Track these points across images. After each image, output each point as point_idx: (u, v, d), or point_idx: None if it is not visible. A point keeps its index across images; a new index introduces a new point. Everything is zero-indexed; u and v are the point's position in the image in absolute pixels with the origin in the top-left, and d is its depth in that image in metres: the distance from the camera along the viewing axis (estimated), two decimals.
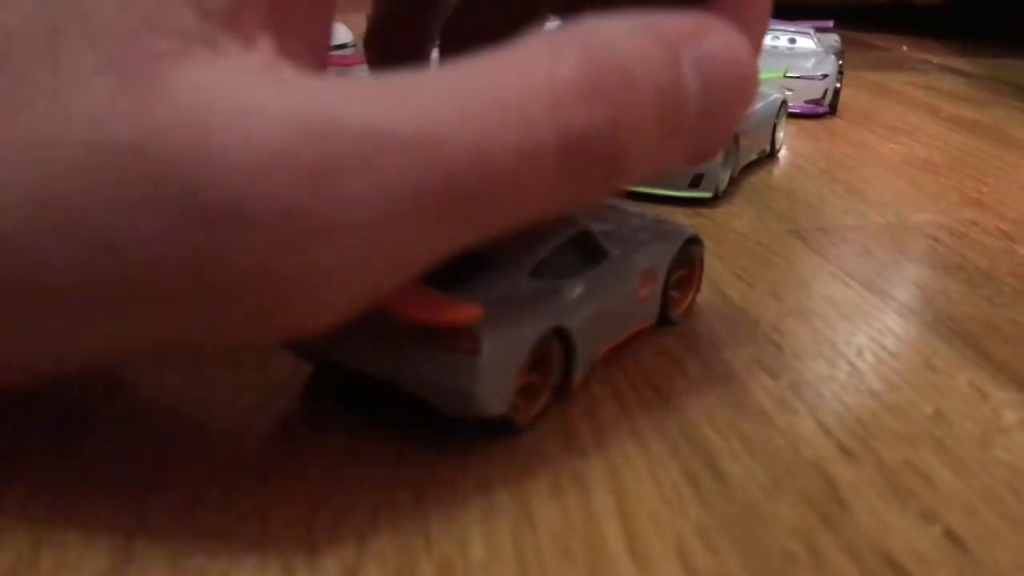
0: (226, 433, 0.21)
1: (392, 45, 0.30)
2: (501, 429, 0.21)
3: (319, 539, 0.18)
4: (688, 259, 0.28)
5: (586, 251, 0.24)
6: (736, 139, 0.42)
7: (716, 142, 0.20)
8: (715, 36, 0.19)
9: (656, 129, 0.18)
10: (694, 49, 0.18)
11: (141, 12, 0.15)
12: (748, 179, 0.46)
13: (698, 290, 0.29)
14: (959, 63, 0.93)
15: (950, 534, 0.19)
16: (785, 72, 0.60)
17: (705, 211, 0.40)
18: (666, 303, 0.27)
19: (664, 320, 0.27)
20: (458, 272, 0.21)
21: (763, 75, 0.54)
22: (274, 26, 0.16)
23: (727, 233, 0.38)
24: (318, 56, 0.18)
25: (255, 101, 0.15)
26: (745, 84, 0.19)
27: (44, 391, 0.22)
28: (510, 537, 0.18)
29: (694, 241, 0.28)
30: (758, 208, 0.41)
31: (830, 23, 0.75)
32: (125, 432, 0.21)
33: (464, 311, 0.20)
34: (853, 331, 0.29)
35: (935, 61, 0.94)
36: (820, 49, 0.65)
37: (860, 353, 0.27)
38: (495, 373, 0.20)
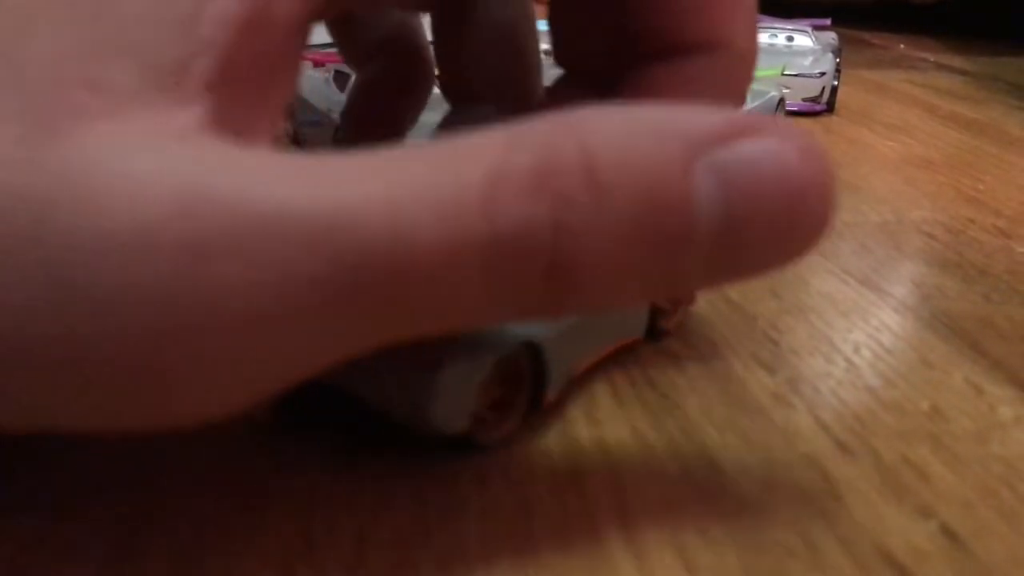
0: (224, 429, 0.21)
1: (368, 125, 0.30)
2: (463, 447, 0.20)
3: (318, 533, 0.18)
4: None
5: None
6: None
7: (751, 272, 0.16)
8: (754, 140, 0.15)
9: (637, 246, 0.15)
10: (719, 155, 0.15)
11: (79, 64, 0.14)
12: None
13: (692, 301, 0.27)
14: (956, 61, 0.93)
15: (946, 529, 0.19)
16: (783, 70, 0.60)
17: None
18: (654, 314, 0.26)
19: (652, 333, 0.26)
20: None
21: (760, 73, 0.55)
22: (221, 91, 0.15)
23: None
24: (266, 123, 0.17)
25: (145, 168, 0.14)
26: (798, 205, 0.15)
27: None
28: (508, 533, 0.18)
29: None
30: None
31: (828, 21, 0.75)
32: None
33: None
34: (850, 328, 0.29)
35: (932, 59, 0.94)
36: (818, 47, 0.65)
37: (857, 350, 0.27)
38: (454, 389, 0.19)
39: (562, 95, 0.25)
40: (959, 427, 0.23)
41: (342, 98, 0.36)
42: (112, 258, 0.13)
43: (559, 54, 0.25)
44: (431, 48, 0.29)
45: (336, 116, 0.39)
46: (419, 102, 0.30)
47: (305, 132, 0.44)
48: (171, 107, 0.14)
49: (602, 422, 0.22)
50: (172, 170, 0.14)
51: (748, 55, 0.21)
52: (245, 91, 0.16)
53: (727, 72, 0.21)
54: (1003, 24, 1.07)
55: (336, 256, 0.14)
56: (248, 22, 0.15)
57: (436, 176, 0.14)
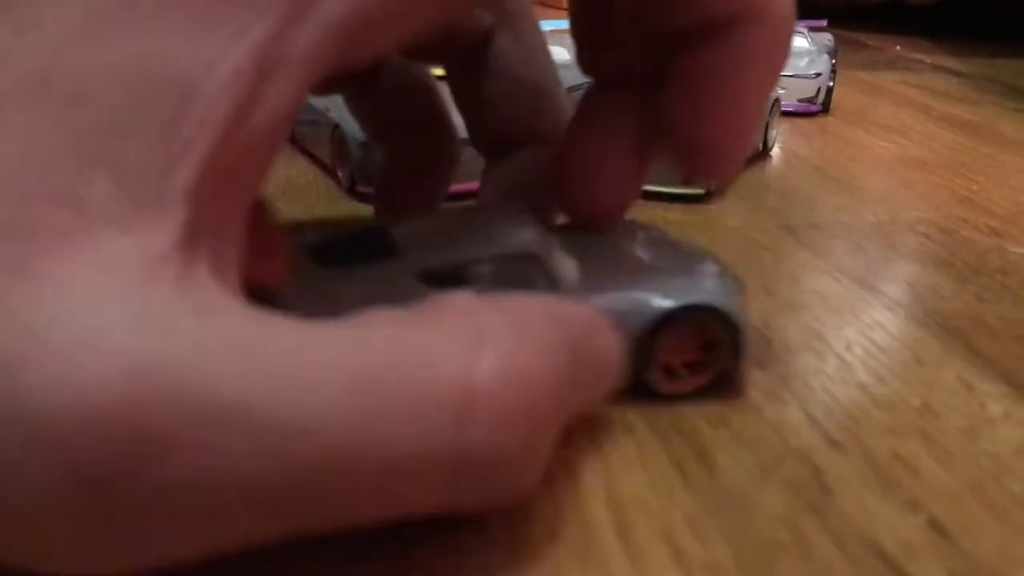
0: None
1: (399, 202, 0.31)
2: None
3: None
4: (693, 331, 0.23)
5: (529, 276, 0.22)
6: None
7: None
8: (602, 335, 0.18)
9: (554, 433, 0.17)
10: (587, 347, 0.18)
11: (52, 176, 0.13)
12: (742, 177, 0.46)
13: (716, 376, 0.24)
14: (952, 62, 0.93)
15: (934, 523, 0.19)
16: None
17: (698, 208, 0.40)
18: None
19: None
20: (359, 252, 0.22)
21: None
22: (200, 197, 0.14)
23: (719, 229, 0.38)
24: (238, 224, 0.16)
25: (100, 326, 0.13)
26: (610, 378, 0.19)
27: None
28: (502, 524, 0.18)
29: (714, 312, 0.23)
30: (751, 205, 0.42)
31: (824, 22, 0.75)
32: None
33: (272, 271, 0.20)
34: (842, 325, 0.29)
35: (928, 60, 0.94)
36: (813, 48, 0.66)
37: (849, 347, 0.27)
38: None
39: (600, 108, 0.25)
40: (949, 423, 0.23)
41: (338, 98, 0.36)
42: (38, 436, 0.12)
43: (587, 63, 0.25)
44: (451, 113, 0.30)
45: (333, 115, 0.39)
46: (447, 177, 0.31)
47: (304, 131, 0.45)
48: (148, 226, 0.14)
49: (595, 418, 0.22)
50: (133, 338, 0.13)
51: (789, 19, 0.21)
52: (223, 193, 0.15)
53: (772, 40, 0.21)
54: (999, 26, 1.07)
55: (293, 463, 0.13)
56: (235, 124, 0.14)
57: (405, 383, 0.14)
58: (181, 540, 0.14)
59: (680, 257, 0.25)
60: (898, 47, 1.03)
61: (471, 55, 0.28)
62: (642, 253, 0.25)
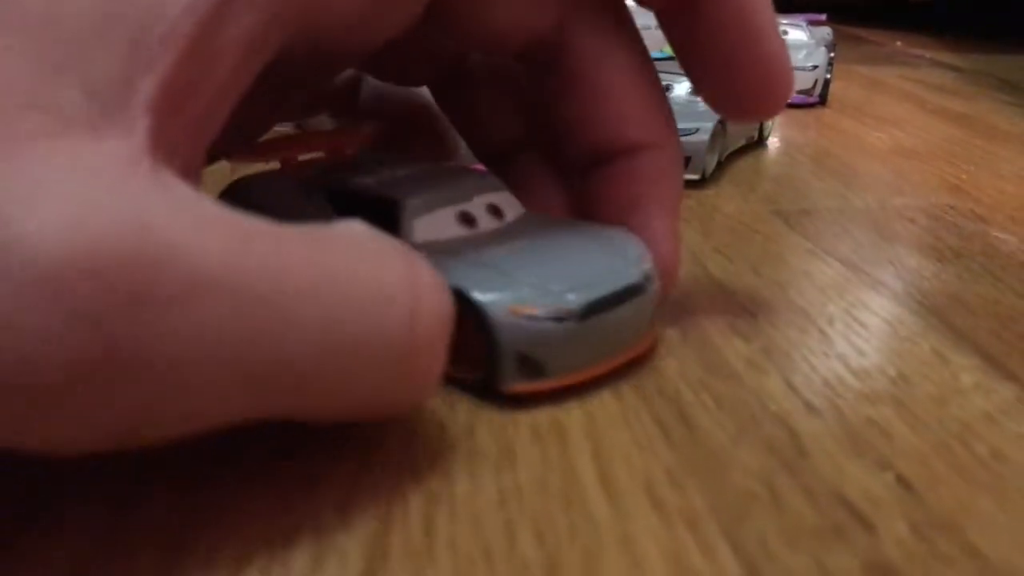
0: None
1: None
2: None
3: (315, 474, 0.19)
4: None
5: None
6: (723, 124, 0.44)
7: None
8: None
9: None
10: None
11: (25, 90, 0.14)
12: (736, 164, 0.47)
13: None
14: (950, 58, 0.94)
15: (901, 479, 0.20)
16: None
17: (692, 192, 0.41)
18: None
19: None
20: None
21: None
22: (162, 113, 0.16)
23: (712, 213, 0.39)
24: (199, 150, 0.17)
25: (91, 191, 0.14)
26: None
27: None
28: (492, 474, 0.20)
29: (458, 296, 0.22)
30: (744, 191, 0.43)
31: (823, 16, 0.76)
32: None
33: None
34: (826, 302, 0.30)
35: (927, 56, 0.95)
36: (811, 41, 0.67)
37: (831, 322, 0.29)
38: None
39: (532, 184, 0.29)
40: (922, 391, 0.24)
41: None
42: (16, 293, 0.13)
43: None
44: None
45: None
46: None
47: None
48: (118, 133, 0.15)
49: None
50: (125, 205, 0.14)
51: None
52: (184, 110, 0.16)
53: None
54: (998, 22, 1.08)
55: (268, 337, 0.15)
56: (196, 44, 0.16)
57: (369, 280, 0.17)
58: (164, 408, 0.15)
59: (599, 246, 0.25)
60: (898, 43, 1.04)
61: (455, 72, 0.30)
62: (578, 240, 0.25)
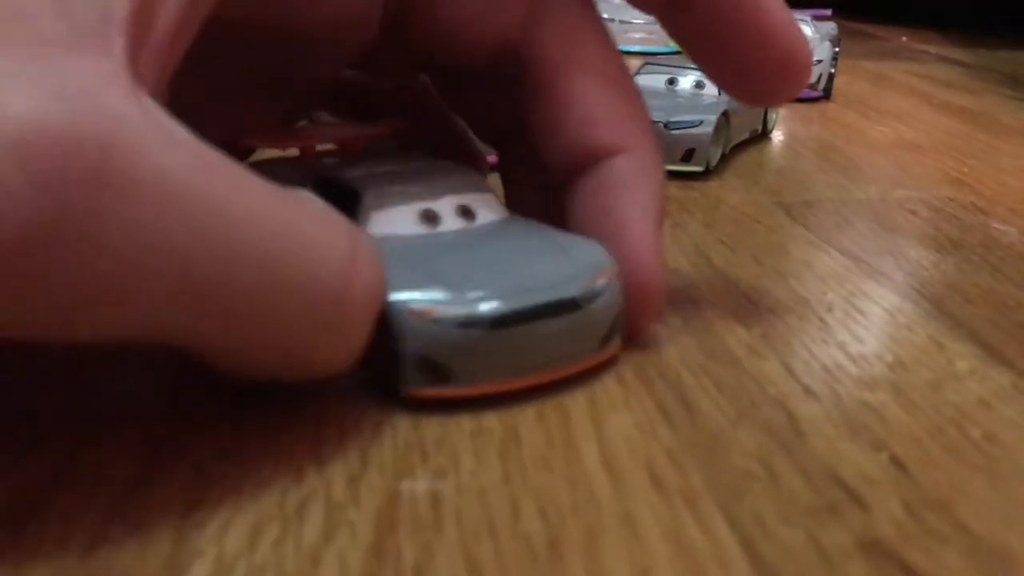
0: None
1: None
2: None
3: (326, 452, 0.20)
4: None
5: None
6: (727, 117, 0.44)
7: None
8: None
9: None
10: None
11: (6, 27, 0.15)
12: (740, 156, 0.48)
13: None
14: (956, 53, 0.94)
15: (895, 460, 0.21)
16: None
17: (696, 184, 0.42)
18: None
19: None
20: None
21: None
22: (134, 34, 0.16)
23: (715, 204, 0.40)
24: (165, 73, 0.18)
25: (65, 76, 0.15)
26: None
27: None
28: (497, 453, 0.20)
29: None
30: (747, 182, 0.43)
31: (828, 11, 0.76)
32: (150, 359, 0.23)
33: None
34: (826, 291, 0.31)
35: (933, 51, 0.96)
36: (816, 36, 0.67)
37: (830, 310, 0.29)
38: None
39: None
40: (918, 377, 0.25)
41: None
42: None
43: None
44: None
45: None
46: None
47: None
48: (93, 51, 0.15)
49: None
50: (101, 90, 0.15)
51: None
52: (149, 42, 0.17)
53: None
54: (1004, 18, 1.08)
55: (210, 252, 0.16)
56: None
57: (316, 223, 0.18)
58: (102, 297, 0.15)
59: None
60: (904, 38, 1.04)
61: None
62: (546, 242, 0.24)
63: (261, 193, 0.17)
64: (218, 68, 0.18)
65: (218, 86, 0.18)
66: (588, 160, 0.26)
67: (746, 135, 0.50)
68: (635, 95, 0.26)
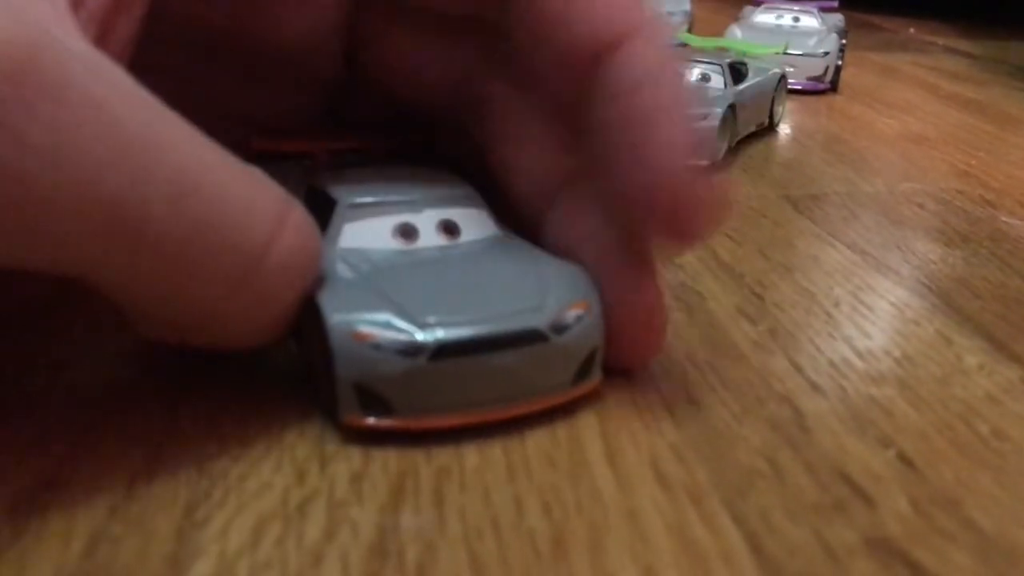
0: (242, 358, 0.23)
1: None
2: None
3: (329, 449, 0.20)
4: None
5: None
6: (733, 110, 0.44)
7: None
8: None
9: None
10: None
11: None
12: (746, 150, 0.47)
13: None
14: (964, 44, 0.94)
15: (902, 456, 0.21)
16: (785, 48, 0.61)
17: None
18: None
19: None
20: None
21: (763, 50, 0.56)
22: None
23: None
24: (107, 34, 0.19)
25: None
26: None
27: (82, 308, 0.24)
28: (501, 450, 0.20)
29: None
30: (753, 176, 0.43)
31: (835, 3, 0.76)
32: (153, 356, 0.23)
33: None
34: (832, 285, 0.30)
35: (941, 43, 0.95)
36: (823, 27, 0.67)
37: (837, 304, 0.29)
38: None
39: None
40: (926, 372, 0.25)
41: None
42: None
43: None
44: None
45: None
46: None
47: None
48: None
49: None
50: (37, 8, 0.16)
51: (645, 37, 0.21)
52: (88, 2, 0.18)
53: (649, 58, 0.21)
54: (1012, 9, 1.08)
55: (123, 181, 0.16)
56: None
57: (244, 177, 0.18)
58: (15, 213, 0.15)
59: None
60: (911, 29, 1.04)
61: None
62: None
63: (188, 135, 0.17)
64: (182, 97, 0.18)
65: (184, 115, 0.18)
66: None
67: (752, 128, 0.49)
68: None
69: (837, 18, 0.72)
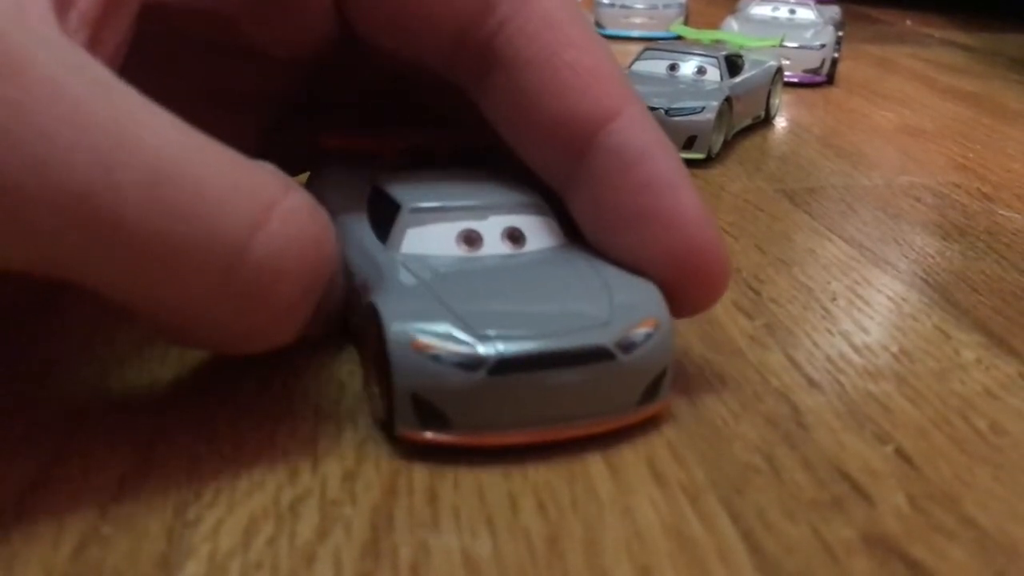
0: (236, 356, 0.23)
1: None
2: None
3: (322, 448, 0.20)
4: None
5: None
6: (729, 103, 0.44)
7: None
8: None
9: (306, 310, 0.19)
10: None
11: None
12: (743, 143, 0.47)
13: None
14: (961, 37, 0.93)
15: (900, 452, 0.21)
16: (781, 41, 0.61)
17: (698, 171, 0.42)
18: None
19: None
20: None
21: (759, 43, 0.56)
22: None
23: (718, 192, 0.39)
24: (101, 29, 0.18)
25: None
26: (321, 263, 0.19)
27: (74, 309, 0.24)
28: (498, 451, 0.20)
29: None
30: (749, 169, 0.43)
31: None
32: (144, 354, 0.23)
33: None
34: (829, 280, 0.30)
35: (937, 35, 0.95)
36: (819, 20, 0.66)
37: (834, 299, 0.29)
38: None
39: None
40: (924, 367, 0.25)
41: None
42: None
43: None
44: None
45: None
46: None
47: None
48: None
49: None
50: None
51: (636, 111, 0.22)
52: (80, 2, 0.17)
53: (639, 127, 0.21)
54: (1010, 1, 1.08)
55: (80, 172, 0.16)
56: None
57: (226, 169, 0.17)
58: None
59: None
60: (909, 22, 1.04)
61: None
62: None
63: (165, 121, 0.17)
64: (178, 84, 0.18)
65: (180, 103, 0.17)
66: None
67: (749, 121, 0.49)
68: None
69: (834, 10, 0.71)
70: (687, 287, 0.21)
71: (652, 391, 0.21)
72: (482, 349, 0.19)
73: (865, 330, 0.27)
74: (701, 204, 0.21)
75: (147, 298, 0.17)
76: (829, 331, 0.26)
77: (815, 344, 0.26)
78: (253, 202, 0.17)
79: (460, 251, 0.22)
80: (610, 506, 0.18)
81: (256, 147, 0.24)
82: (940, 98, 0.62)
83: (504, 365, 0.19)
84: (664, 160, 0.21)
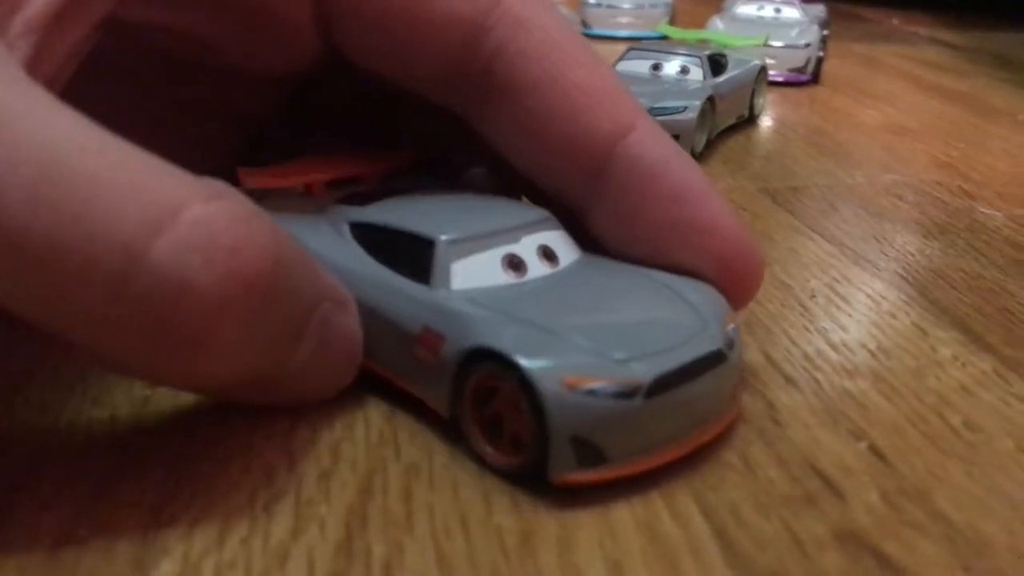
0: None
1: None
2: None
3: (297, 449, 0.20)
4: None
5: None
6: (712, 103, 0.44)
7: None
8: (344, 314, 0.20)
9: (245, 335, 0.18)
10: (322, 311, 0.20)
11: None
12: (726, 142, 0.47)
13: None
14: (947, 35, 0.94)
15: (874, 449, 0.21)
16: (766, 39, 0.61)
17: None
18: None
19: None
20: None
21: (743, 42, 0.56)
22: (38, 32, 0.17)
23: None
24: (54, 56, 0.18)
25: None
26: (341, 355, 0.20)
27: None
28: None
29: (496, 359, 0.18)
30: (732, 168, 0.43)
31: None
32: None
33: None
34: (808, 278, 0.30)
35: (924, 33, 0.95)
36: (804, 19, 0.67)
37: (813, 296, 0.29)
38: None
39: None
40: (900, 364, 0.25)
41: None
42: None
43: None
44: None
45: None
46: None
47: None
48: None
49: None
50: None
51: (649, 124, 0.22)
52: (27, 9, 0.17)
53: (653, 138, 0.22)
54: None
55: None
56: None
57: (119, 175, 0.16)
58: None
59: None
60: (895, 20, 1.04)
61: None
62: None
63: (63, 118, 0.16)
64: (157, 101, 0.17)
65: (160, 119, 0.17)
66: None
67: (732, 121, 0.49)
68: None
69: (819, 9, 0.72)
70: (729, 288, 0.22)
71: (738, 386, 0.21)
72: (635, 374, 0.18)
73: (843, 327, 0.27)
74: (732, 209, 0.23)
75: (44, 311, 0.16)
76: (807, 328, 0.27)
77: (792, 342, 0.26)
78: (156, 206, 0.16)
79: (509, 278, 0.21)
80: (583, 503, 0.18)
81: (237, 157, 0.24)
82: (926, 96, 0.63)
83: (657, 386, 0.18)
84: (687, 169, 0.22)
